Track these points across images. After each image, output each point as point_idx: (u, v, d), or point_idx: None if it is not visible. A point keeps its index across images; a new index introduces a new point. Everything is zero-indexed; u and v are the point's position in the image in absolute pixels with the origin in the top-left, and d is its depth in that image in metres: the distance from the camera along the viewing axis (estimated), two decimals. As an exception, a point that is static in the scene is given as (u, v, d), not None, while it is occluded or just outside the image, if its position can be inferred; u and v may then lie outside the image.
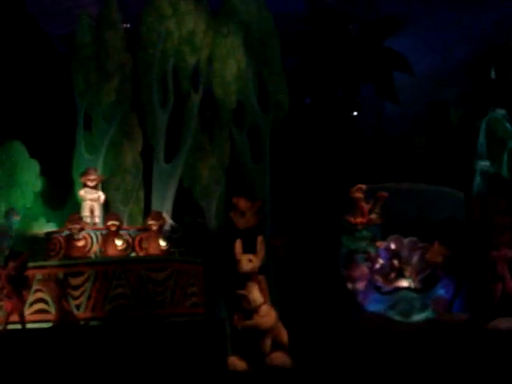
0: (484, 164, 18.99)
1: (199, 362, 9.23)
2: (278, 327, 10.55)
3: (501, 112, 19.24)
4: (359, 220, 16.55)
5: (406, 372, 10.51)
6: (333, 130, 17.64)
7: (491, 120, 19.25)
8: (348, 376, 10.14)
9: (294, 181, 15.21)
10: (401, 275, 15.77)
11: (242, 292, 10.26)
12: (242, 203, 11.67)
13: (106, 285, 9.59)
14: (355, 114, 19.84)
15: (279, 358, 10.17)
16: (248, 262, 10.38)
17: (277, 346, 10.36)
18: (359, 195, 16.71)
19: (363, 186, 16.64)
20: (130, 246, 10.72)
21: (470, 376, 9.79)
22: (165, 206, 13.78)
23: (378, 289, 15.59)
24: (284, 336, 10.59)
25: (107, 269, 9.75)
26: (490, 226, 14.47)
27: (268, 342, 10.30)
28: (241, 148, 15.42)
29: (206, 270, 10.65)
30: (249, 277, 10.35)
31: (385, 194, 16.46)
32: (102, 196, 12.15)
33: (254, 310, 10.15)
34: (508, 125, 19.03)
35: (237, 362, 9.95)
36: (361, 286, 15.53)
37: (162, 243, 10.51)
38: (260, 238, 10.78)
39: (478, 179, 18.94)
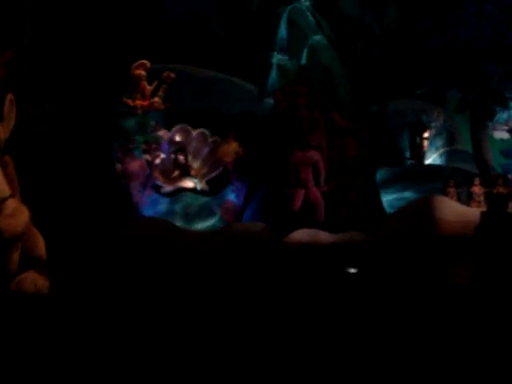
0: (282, 58, 16.99)
1: None
2: (31, 234, 7.09)
3: (305, 3, 17.28)
4: (139, 102, 13.66)
5: (188, 286, 8.36)
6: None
7: (294, 10, 17.15)
8: (118, 300, 7.30)
9: (64, 39, 11.35)
10: (185, 174, 13.52)
11: (-23, 177, 6.49)
12: (-15, 50, 7.72)
13: None
14: None
15: (31, 279, 6.79)
16: (-12, 132, 6.70)
17: (29, 261, 6.94)
18: (141, 72, 13.78)
19: (147, 62, 13.74)
20: None
21: (263, 291, 7.90)
22: None
23: (157, 188, 13.16)
24: (40, 247, 7.16)
25: None
26: (297, 123, 12.39)
27: (15, 256, 6.82)
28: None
29: None
30: (-12, 155, 6.62)
31: (172, 74, 13.72)
32: None
33: (-6, 207, 6.50)
34: (311, 17, 17.08)
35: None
36: (137, 183, 12.86)
37: None
38: (9, 98, 7.04)
39: (273, 73, 16.90)
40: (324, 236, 11.36)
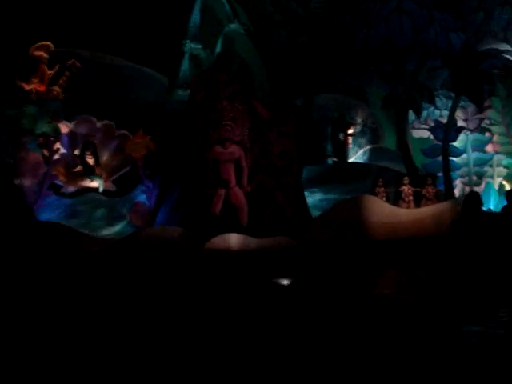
0: (195, 46, 15.68)
1: None
2: None
3: (220, -12, 16.11)
4: (35, 87, 12.08)
5: (93, 300, 7.78)
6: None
7: (209, -4, 15.92)
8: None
9: None
10: (89, 171, 12.10)
11: None
12: None
13: None
14: None
15: None
16: None
17: None
18: (42, 54, 12.35)
19: (49, 44, 12.33)
20: None
21: (180, 303, 7.46)
22: None
23: (56, 188, 11.82)
24: None
25: None
26: (217, 115, 11.14)
27: None
28: None
29: None
30: None
31: (78, 63, 12.33)
32: None
33: None
34: (227, 4, 15.89)
35: None
36: (32, 182, 11.33)
37: None
38: None
39: (186, 63, 15.57)
40: (248, 241, 10.20)
